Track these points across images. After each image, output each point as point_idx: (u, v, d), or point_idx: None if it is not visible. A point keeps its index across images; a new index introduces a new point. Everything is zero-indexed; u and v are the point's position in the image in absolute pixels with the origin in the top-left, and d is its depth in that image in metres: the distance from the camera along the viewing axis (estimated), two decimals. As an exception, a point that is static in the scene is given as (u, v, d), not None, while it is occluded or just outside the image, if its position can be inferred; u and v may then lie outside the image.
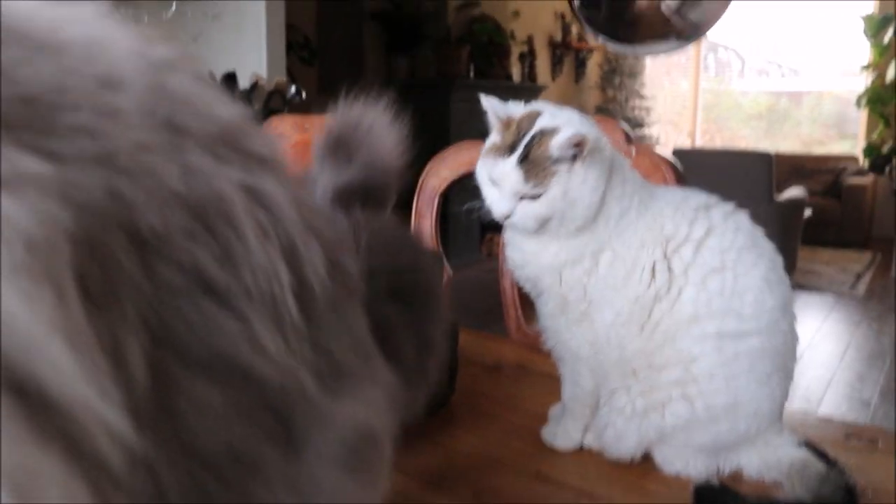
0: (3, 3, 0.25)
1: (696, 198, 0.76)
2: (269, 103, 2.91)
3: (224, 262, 0.27)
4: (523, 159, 0.72)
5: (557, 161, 0.71)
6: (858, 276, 5.77)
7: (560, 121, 0.73)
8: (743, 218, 0.75)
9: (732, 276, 0.71)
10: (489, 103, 0.78)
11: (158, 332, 0.24)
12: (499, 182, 0.74)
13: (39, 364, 0.19)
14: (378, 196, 0.59)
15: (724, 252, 0.71)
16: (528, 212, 0.73)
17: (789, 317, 0.74)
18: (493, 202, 0.75)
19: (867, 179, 7.08)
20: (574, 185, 0.71)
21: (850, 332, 4.36)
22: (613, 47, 0.73)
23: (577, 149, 0.70)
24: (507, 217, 0.74)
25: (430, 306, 0.53)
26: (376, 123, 0.60)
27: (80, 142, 0.23)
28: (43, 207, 0.20)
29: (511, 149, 0.73)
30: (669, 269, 0.72)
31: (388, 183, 0.61)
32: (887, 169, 7.11)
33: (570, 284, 0.75)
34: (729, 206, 0.76)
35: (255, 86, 2.96)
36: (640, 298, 0.72)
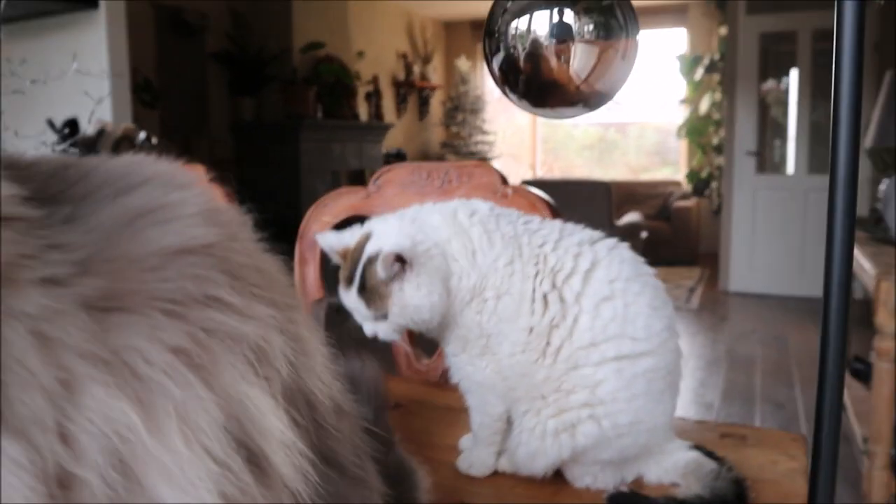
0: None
1: (578, 233, 0.83)
2: (118, 150, 2.79)
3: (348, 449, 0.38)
4: (361, 290, 0.80)
5: (389, 281, 0.78)
6: (692, 291, 6.28)
7: (384, 239, 0.80)
8: (625, 251, 0.83)
9: (623, 304, 0.78)
10: (324, 241, 0.85)
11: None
12: (353, 311, 0.83)
13: (267, 439, 0.29)
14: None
15: (612, 282, 0.79)
16: (386, 330, 0.82)
17: (675, 336, 0.82)
18: (361, 325, 0.84)
19: (691, 202, 7.77)
20: (409, 297, 0.79)
21: (689, 343, 4.73)
22: (530, 111, 0.79)
23: (399, 264, 0.77)
24: (377, 339, 0.83)
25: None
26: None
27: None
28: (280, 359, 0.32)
29: (349, 280, 0.81)
30: (561, 298, 0.78)
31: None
32: (707, 192, 7.85)
33: (467, 326, 0.80)
34: (612, 241, 0.84)
35: (101, 132, 2.83)
36: (535, 328, 0.78)
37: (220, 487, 0.26)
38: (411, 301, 0.78)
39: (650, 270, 0.83)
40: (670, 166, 9.30)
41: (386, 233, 0.81)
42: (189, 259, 0.30)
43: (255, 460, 0.28)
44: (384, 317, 0.80)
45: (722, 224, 6.24)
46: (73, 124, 2.86)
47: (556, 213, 1.18)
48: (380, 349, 0.98)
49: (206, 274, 0.30)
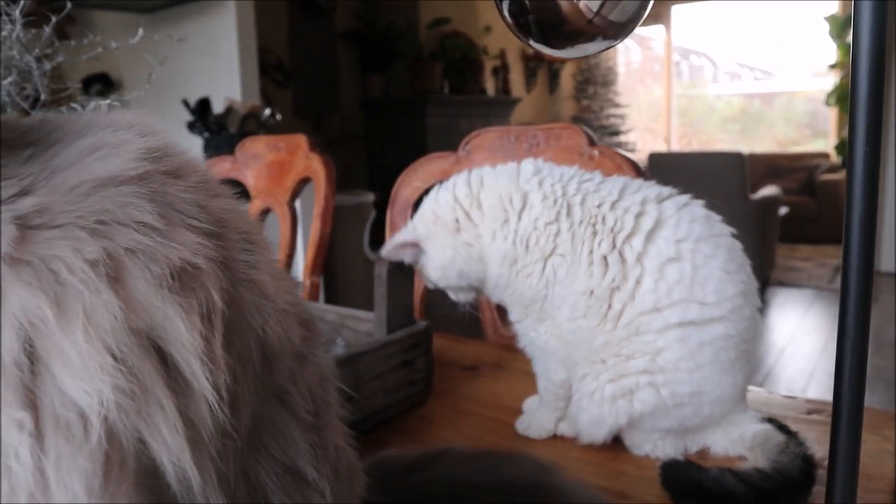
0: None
1: (644, 190, 0.79)
2: (245, 126, 2.93)
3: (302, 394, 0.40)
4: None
5: (418, 261, 0.86)
6: (836, 270, 5.85)
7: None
8: (697, 208, 0.78)
9: (691, 266, 0.73)
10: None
11: (256, 409, 0.37)
12: None
13: (177, 348, 0.32)
14: None
15: (679, 242, 0.74)
16: (453, 295, 0.89)
17: (752, 303, 0.76)
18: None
19: (840, 175, 7.19)
20: (432, 262, 0.83)
21: (829, 325, 4.41)
22: (547, 52, 0.76)
23: (410, 249, 0.85)
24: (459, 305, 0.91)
25: None
26: None
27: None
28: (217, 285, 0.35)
29: None
30: (622, 259, 0.75)
31: None
32: (859, 164, 7.23)
33: (520, 290, 0.79)
34: (683, 198, 0.79)
35: (229, 110, 2.98)
36: (595, 290, 0.75)
37: (115, 380, 0.29)
38: (436, 264, 0.83)
39: (726, 230, 0.78)
40: (822, 138, 8.66)
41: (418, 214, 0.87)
42: (120, 187, 0.34)
43: (165, 363, 0.32)
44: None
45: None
46: (204, 103, 3.04)
47: (641, 174, 1.13)
48: (468, 316, 0.99)
49: (133, 200, 0.34)
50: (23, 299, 0.29)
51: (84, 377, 0.28)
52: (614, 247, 0.75)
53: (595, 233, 0.76)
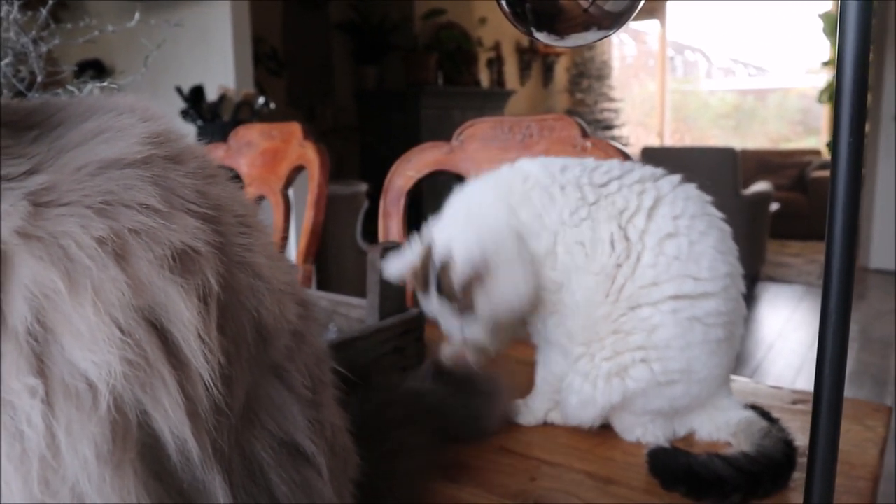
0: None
1: (640, 170, 0.81)
2: (238, 114, 2.93)
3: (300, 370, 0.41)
4: (440, 291, 0.77)
5: (469, 288, 0.76)
6: (826, 267, 5.88)
7: (454, 245, 0.77)
8: (691, 188, 0.80)
9: (687, 242, 0.75)
10: (391, 270, 0.84)
11: (250, 387, 0.37)
12: (437, 316, 0.81)
13: (177, 326, 0.33)
14: None
15: (676, 219, 0.76)
16: (475, 329, 0.79)
17: (738, 285, 0.79)
18: (447, 331, 0.82)
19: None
20: (496, 297, 0.77)
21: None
22: (544, 40, 0.77)
23: (478, 274, 0.75)
24: (466, 337, 0.80)
25: None
26: None
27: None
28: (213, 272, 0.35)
29: (425, 286, 0.79)
30: (626, 237, 0.77)
31: None
32: (850, 161, 7.26)
33: (543, 285, 0.80)
34: (675, 177, 0.81)
35: (222, 97, 2.98)
36: (604, 268, 0.77)
37: (123, 353, 0.30)
38: (500, 300, 0.77)
39: (717, 213, 0.81)
40: (814, 135, 8.70)
41: (448, 240, 0.78)
42: (124, 170, 0.35)
43: (165, 340, 0.33)
44: (471, 309, 0.78)
45: (864, 196, 5.79)
46: (198, 91, 3.03)
47: (633, 166, 1.14)
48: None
49: (136, 183, 0.35)
50: (35, 272, 0.30)
51: (93, 349, 0.29)
52: (620, 226, 0.77)
53: (608, 216, 0.78)
